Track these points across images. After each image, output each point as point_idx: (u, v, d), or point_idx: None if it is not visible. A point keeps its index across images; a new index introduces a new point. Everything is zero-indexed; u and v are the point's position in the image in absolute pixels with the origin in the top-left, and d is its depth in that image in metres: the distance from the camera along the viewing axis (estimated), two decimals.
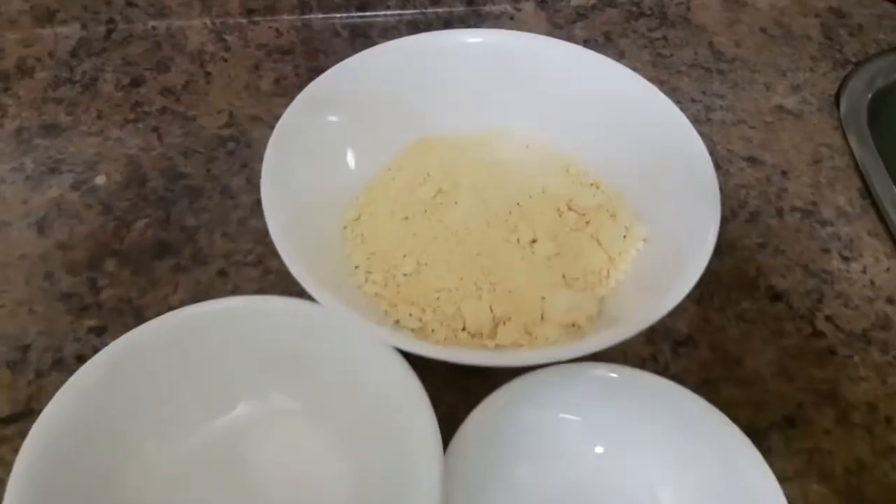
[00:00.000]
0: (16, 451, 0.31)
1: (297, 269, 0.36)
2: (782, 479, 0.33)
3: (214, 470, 0.36)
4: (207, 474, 0.36)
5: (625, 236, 0.43)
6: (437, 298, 0.41)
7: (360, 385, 0.36)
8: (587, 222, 0.44)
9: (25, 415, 0.38)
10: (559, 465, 0.37)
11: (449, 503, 0.32)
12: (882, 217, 0.48)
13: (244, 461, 0.36)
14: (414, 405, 0.34)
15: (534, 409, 0.36)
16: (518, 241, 0.43)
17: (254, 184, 0.48)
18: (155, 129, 0.51)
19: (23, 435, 0.32)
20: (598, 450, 0.37)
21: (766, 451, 0.36)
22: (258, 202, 0.46)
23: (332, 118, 0.45)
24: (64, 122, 0.51)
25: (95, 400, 0.33)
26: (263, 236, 0.45)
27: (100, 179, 0.48)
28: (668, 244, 0.41)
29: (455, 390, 0.38)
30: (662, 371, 0.41)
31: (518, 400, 0.36)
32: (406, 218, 0.44)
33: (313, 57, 0.56)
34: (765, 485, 0.33)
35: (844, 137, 0.53)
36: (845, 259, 0.46)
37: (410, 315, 0.40)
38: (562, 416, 0.37)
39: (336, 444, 0.36)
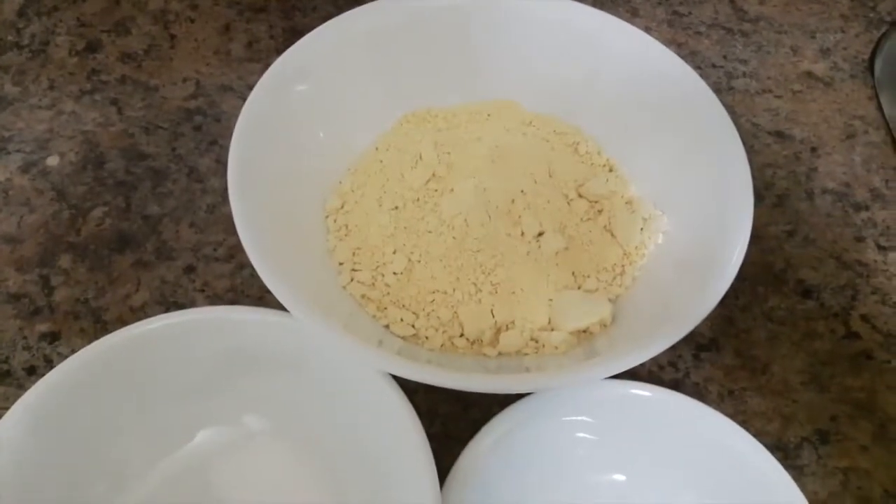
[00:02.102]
0: None
1: (269, 276, 0.31)
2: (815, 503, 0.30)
3: (188, 489, 0.32)
4: (179, 493, 0.32)
5: (642, 228, 0.38)
6: (432, 301, 0.36)
7: (341, 404, 0.32)
8: (599, 211, 0.39)
9: None
10: (575, 496, 0.33)
11: None
12: None
13: (215, 489, 0.32)
14: (404, 429, 0.30)
15: (542, 431, 0.32)
16: (522, 234, 0.38)
17: (223, 164, 0.42)
18: (114, 102, 0.45)
19: None
20: (619, 477, 0.33)
21: (797, 471, 0.33)
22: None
23: (310, 89, 0.39)
24: (11, 93, 0.45)
25: (31, 441, 0.29)
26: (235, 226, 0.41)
27: (52, 160, 0.43)
28: (692, 237, 0.37)
29: (452, 403, 0.34)
30: (683, 379, 0.37)
31: (524, 423, 0.32)
32: (396, 208, 0.39)
33: (290, 15, 0.50)
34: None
35: (879, 108, 0.48)
36: (882, 249, 0.42)
37: (402, 320, 0.36)
38: (577, 437, 0.33)
39: (313, 469, 0.32)
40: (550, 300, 0.37)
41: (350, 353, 0.31)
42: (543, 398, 0.32)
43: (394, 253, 0.37)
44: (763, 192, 0.44)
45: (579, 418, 0.32)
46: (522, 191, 0.39)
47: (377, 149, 0.42)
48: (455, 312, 0.36)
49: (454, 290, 0.36)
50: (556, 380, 0.30)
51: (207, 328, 0.31)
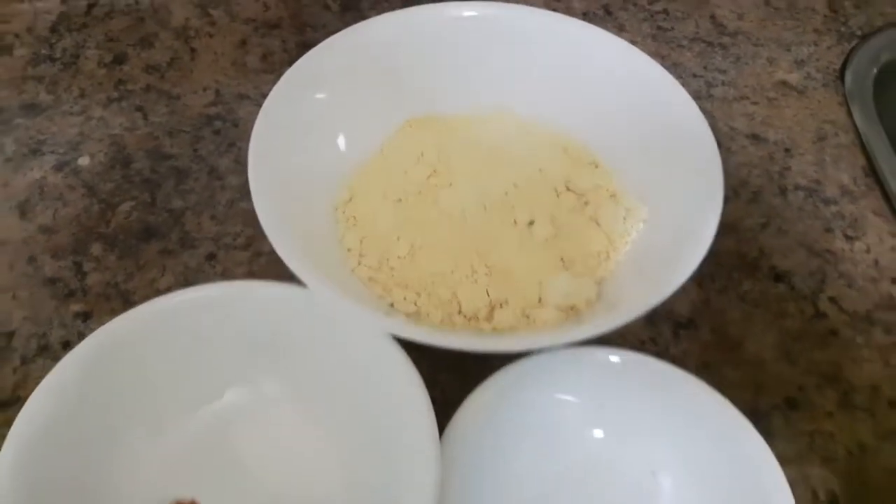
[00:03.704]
0: (2, 438, 0.30)
1: (286, 253, 0.35)
2: (783, 462, 0.33)
3: (204, 458, 0.35)
4: (197, 462, 0.35)
5: (625, 217, 0.42)
6: (432, 282, 0.40)
7: (352, 370, 0.35)
8: (586, 203, 0.43)
9: (11, 402, 0.37)
10: (558, 449, 0.36)
11: (446, 487, 0.31)
12: (887, 195, 0.47)
13: (234, 448, 0.36)
14: (408, 390, 0.33)
15: (532, 392, 0.35)
16: (515, 222, 0.42)
17: (241, 164, 0.46)
18: (139, 108, 0.49)
19: (9, 423, 0.31)
20: (598, 433, 0.36)
21: (767, 434, 0.35)
22: (247, 183, 0.45)
23: (321, 96, 0.43)
24: (45, 101, 0.49)
25: (80, 389, 0.32)
26: (253, 218, 0.44)
27: (83, 160, 0.47)
28: (669, 225, 0.40)
29: (450, 371, 0.37)
30: (662, 354, 0.40)
31: (515, 384, 0.35)
32: (399, 200, 0.43)
33: (301, 31, 0.54)
34: (766, 467, 0.33)
35: (849, 113, 0.51)
36: (849, 239, 0.45)
37: (405, 299, 0.39)
38: (560, 399, 0.36)
39: (328, 430, 0.36)
40: (541, 281, 0.40)
41: (360, 320, 0.34)
42: (530, 363, 0.35)
43: (398, 240, 0.41)
44: (739, 189, 0.47)
45: (563, 381, 0.36)
46: (515, 185, 0.43)
47: (382, 149, 0.45)
48: (454, 292, 0.40)
49: (453, 272, 0.40)
50: (542, 340, 0.33)
51: (232, 301, 0.35)
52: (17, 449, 0.31)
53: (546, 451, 0.36)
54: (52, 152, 0.47)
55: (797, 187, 0.48)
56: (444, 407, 0.34)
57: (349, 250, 0.41)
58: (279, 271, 0.35)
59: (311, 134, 0.43)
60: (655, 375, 0.35)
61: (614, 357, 0.35)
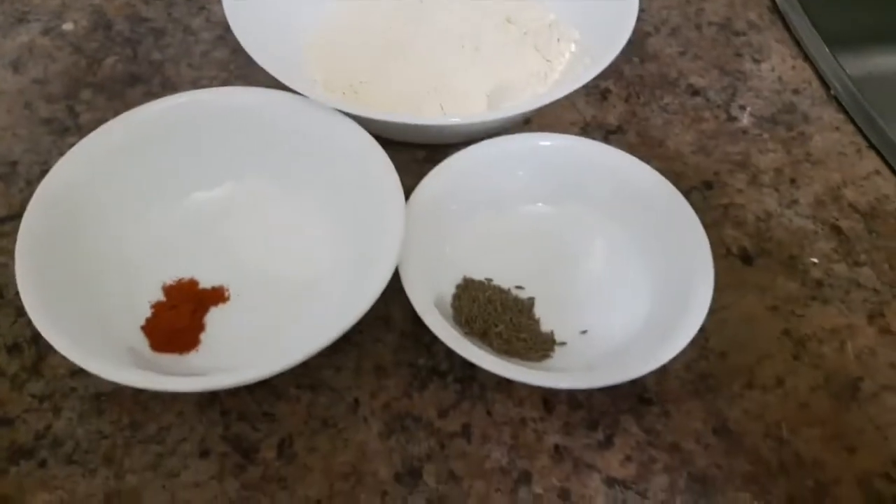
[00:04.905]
0: (14, 244, 0.34)
1: (265, 63, 0.39)
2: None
3: (200, 241, 0.40)
4: (193, 245, 0.40)
5: (558, 39, 0.48)
6: (396, 102, 0.45)
7: (331, 161, 0.40)
8: (525, 33, 0.48)
9: (20, 215, 0.41)
10: (508, 218, 0.42)
11: (409, 249, 0.36)
12: (787, 26, 0.54)
13: (228, 234, 0.41)
14: (379, 168, 0.38)
15: (487, 167, 0.41)
16: (463, 47, 0.47)
17: (212, 22, 0.51)
18: None
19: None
20: (541, 206, 0.42)
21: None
22: (219, 37, 0.50)
23: None
24: None
25: (97, 163, 0.38)
26: (227, 64, 0.49)
27: (67, 26, 0.51)
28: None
29: (412, 175, 0.43)
30: None
31: (473, 160, 0.40)
32: (360, 37, 0.48)
33: None
34: (689, 224, 0.39)
35: None
36: (756, 61, 0.52)
37: None
38: (510, 177, 0.41)
39: (314, 211, 0.41)
40: (488, 96, 0.46)
41: (339, 118, 0.39)
42: (488, 144, 0.40)
43: (362, 68, 0.46)
44: (660, 26, 0.53)
45: (518, 160, 0.41)
46: (463, 18, 0.48)
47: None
48: (413, 108, 0.45)
49: (413, 91, 0.45)
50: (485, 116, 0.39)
51: (223, 103, 0.40)
52: (33, 228, 0.35)
53: (499, 217, 0.41)
54: (38, 20, 0.51)
55: (711, 23, 0.54)
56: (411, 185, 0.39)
57: (315, 80, 0.46)
58: None
59: None
60: (594, 155, 0.41)
61: (558, 141, 0.41)
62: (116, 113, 0.45)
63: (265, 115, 0.40)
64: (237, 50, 0.40)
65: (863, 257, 0.42)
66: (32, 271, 0.33)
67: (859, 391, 0.38)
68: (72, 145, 0.44)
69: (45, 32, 0.50)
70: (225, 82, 0.48)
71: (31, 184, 0.43)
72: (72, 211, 0.36)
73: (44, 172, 0.43)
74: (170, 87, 0.48)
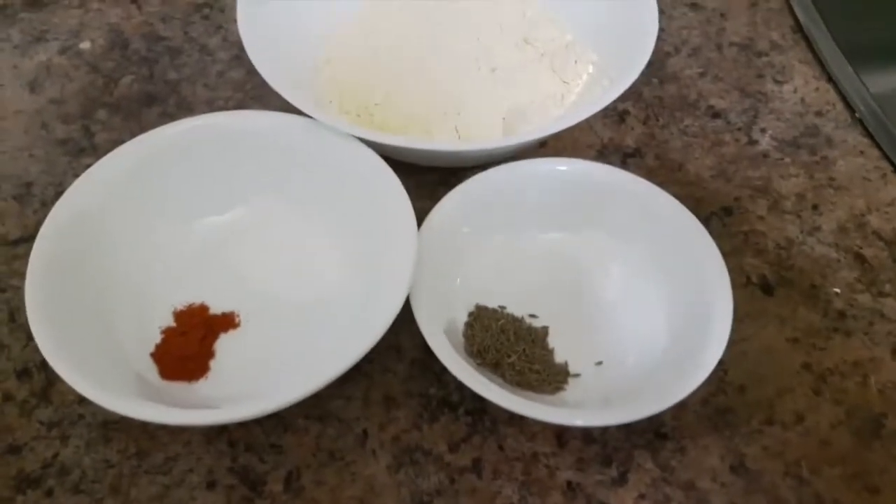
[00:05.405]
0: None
1: (280, 87, 0.39)
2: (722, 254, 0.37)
3: (211, 267, 0.40)
4: (210, 259, 0.40)
5: (576, 61, 0.47)
6: (408, 124, 0.45)
7: (344, 185, 0.39)
8: (542, 54, 0.48)
9: (35, 237, 0.41)
10: (522, 244, 0.41)
11: (421, 277, 0.36)
12: (811, 47, 0.52)
13: (238, 259, 0.40)
14: (392, 194, 0.37)
15: (499, 196, 0.40)
16: (479, 69, 0.46)
17: (229, 42, 0.51)
18: (133, 0, 0.54)
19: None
20: (557, 232, 0.41)
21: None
22: (235, 57, 0.50)
23: None
24: None
25: (111, 187, 0.38)
26: (243, 84, 0.49)
27: (84, 45, 0.51)
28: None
29: (426, 198, 0.42)
30: None
31: (480, 190, 0.40)
32: (374, 57, 0.47)
33: None
34: (707, 252, 0.38)
35: None
36: (778, 82, 0.51)
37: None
38: (525, 203, 0.41)
39: (325, 239, 0.40)
40: (503, 118, 0.45)
41: (351, 142, 0.39)
42: (503, 169, 0.40)
43: (374, 89, 0.46)
44: (680, 46, 0.53)
45: (533, 185, 0.40)
46: (478, 38, 0.48)
47: (358, 16, 0.50)
48: (427, 131, 0.44)
49: (426, 114, 0.45)
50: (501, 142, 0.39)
51: (237, 127, 0.40)
52: (45, 252, 0.35)
53: (513, 244, 0.41)
54: (56, 39, 0.51)
55: (732, 44, 0.53)
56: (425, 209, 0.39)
57: (330, 102, 0.46)
58: None
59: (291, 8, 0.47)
60: (607, 180, 0.40)
61: (575, 165, 0.41)
62: (132, 133, 0.45)
63: (278, 139, 0.40)
64: (253, 70, 0.40)
65: (887, 287, 0.41)
66: (42, 296, 0.33)
67: (883, 428, 0.36)
68: (87, 166, 0.44)
69: (63, 52, 0.51)
70: (240, 103, 0.48)
71: (46, 205, 0.43)
72: (83, 235, 0.36)
73: (58, 194, 0.43)
74: (185, 107, 0.48)
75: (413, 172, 0.41)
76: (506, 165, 0.40)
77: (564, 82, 0.47)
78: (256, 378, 0.36)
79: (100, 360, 0.33)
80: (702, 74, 0.51)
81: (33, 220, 0.43)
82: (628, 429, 0.35)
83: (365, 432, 0.35)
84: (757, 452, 0.35)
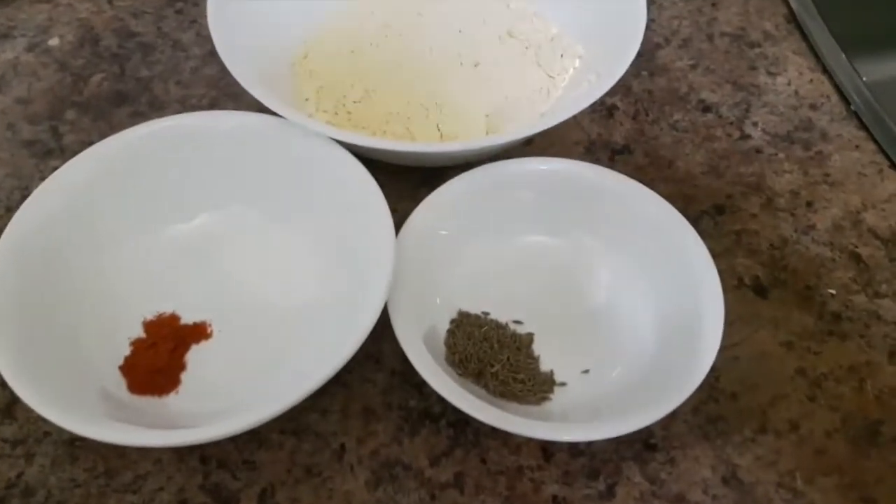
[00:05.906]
0: None
1: (258, 92, 0.37)
2: (712, 256, 0.36)
3: (187, 262, 0.39)
4: (181, 266, 0.38)
5: (562, 55, 0.45)
6: (388, 121, 0.43)
7: (318, 189, 0.38)
8: (527, 48, 0.46)
9: None
10: (506, 247, 0.39)
11: (402, 280, 0.34)
12: (805, 37, 0.51)
13: (210, 265, 0.39)
14: (369, 199, 0.36)
15: (482, 198, 0.39)
16: (461, 64, 0.45)
17: (203, 36, 0.49)
18: None
19: None
20: (542, 235, 0.40)
21: (699, 233, 0.39)
22: (210, 53, 0.48)
23: None
24: None
25: (78, 191, 0.36)
26: (216, 81, 0.48)
27: (53, 41, 0.49)
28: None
29: (406, 199, 0.41)
30: None
31: (470, 188, 0.38)
32: (353, 52, 0.46)
33: None
34: (697, 256, 0.36)
35: None
36: (772, 74, 0.49)
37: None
38: (509, 204, 0.39)
39: (299, 244, 0.39)
40: (487, 115, 0.43)
41: (324, 141, 0.37)
42: (486, 169, 0.38)
43: (352, 86, 0.44)
44: (670, 37, 0.51)
45: (517, 185, 0.39)
46: (460, 31, 0.46)
47: (336, 10, 0.48)
48: (407, 129, 0.43)
49: (406, 110, 0.43)
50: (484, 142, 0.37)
51: (207, 127, 0.38)
52: (6, 260, 0.33)
53: (496, 248, 0.39)
54: (23, 35, 0.49)
55: (723, 34, 0.51)
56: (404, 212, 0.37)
57: (307, 100, 0.44)
58: None
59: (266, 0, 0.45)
60: (595, 180, 0.39)
61: (561, 165, 0.39)
62: (101, 134, 0.44)
63: (251, 140, 0.38)
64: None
65: (884, 287, 0.40)
66: (1, 308, 0.32)
67: (880, 435, 0.35)
68: (54, 168, 0.42)
69: (31, 48, 0.49)
70: (214, 101, 0.46)
71: (11, 210, 0.41)
72: (48, 242, 0.35)
73: (24, 197, 0.41)
74: (157, 106, 0.46)
75: (393, 172, 0.39)
76: (490, 165, 0.39)
77: (550, 77, 0.45)
78: (230, 391, 0.34)
79: (65, 376, 0.32)
80: (693, 66, 0.49)
81: None
82: (616, 440, 0.34)
83: (342, 447, 0.34)
84: (750, 463, 0.34)
